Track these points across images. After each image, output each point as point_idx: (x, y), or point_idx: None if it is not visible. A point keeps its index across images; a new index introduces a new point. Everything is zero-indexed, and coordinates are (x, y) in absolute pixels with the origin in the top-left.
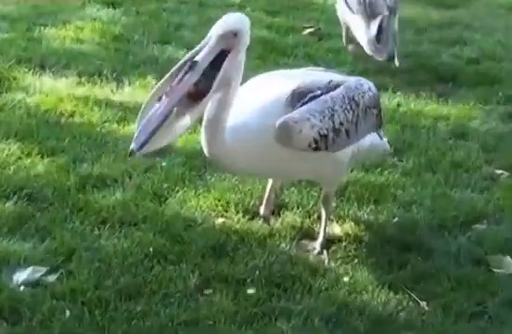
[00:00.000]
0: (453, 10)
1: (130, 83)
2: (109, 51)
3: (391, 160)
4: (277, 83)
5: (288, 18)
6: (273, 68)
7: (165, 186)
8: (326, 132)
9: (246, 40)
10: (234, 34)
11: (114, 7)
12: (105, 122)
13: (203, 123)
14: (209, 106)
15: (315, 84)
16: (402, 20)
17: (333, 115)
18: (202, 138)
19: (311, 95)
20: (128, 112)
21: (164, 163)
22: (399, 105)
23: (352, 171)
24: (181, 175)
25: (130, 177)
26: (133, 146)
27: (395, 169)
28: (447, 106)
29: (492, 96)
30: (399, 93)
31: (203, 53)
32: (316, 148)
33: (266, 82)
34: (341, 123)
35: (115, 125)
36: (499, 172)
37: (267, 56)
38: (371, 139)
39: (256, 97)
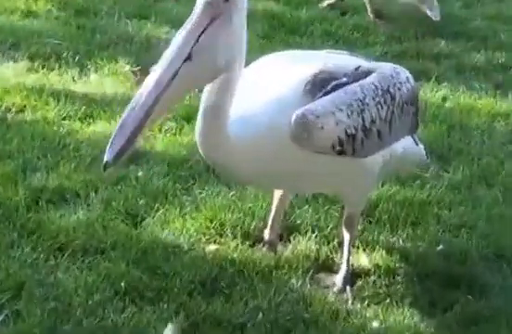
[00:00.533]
0: None
1: (97, 69)
2: (70, 28)
3: (434, 171)
4: (292, 67)
5: None
6: (281, 49)
7: (141, 202)
8: (353, 131)
9: (241, 4)
10: None
11: None
12: (64, 119)
13: (199, 115)
14: (207, 93)
15: (340, 70)
16: None
17: (363, 110)
18: (197, 133)
19: (335, 82)
20: (94, 106)
21: (140, 173)
22: (445, 99)
23: (382, 184)
24: (162, 189)
25: (96, 191)
26: (106, 156)
27: (439, 182)
28: (506, 100)
29: None
30: (445, 83)
31: (184, 31)
32: (341, 152)
33: (277, 64)
34: (373, 121)
35: (77, 123)
36: None
37: (274, 34)
38: (405, 144)
39: (266, 84)
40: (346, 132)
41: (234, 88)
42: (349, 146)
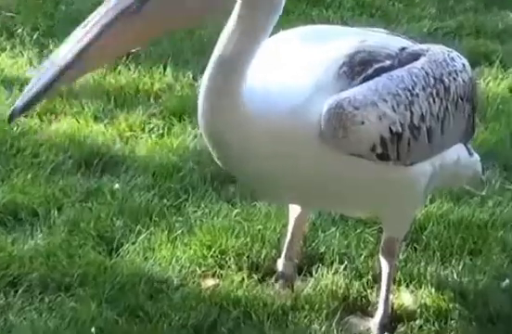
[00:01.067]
0: None
1: None
2: None
3: (498, 184)
4: (321, 43)
5: None
6: (302, 25)
7: (118, 223)
8: (399, 128)
9: None
10: None
11: None
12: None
13: (207, 69)
14: (221, 42)
15: (383, 50)
16: None
17: (412, 102)
18: (203, 100)
19: (377, 65)
20: (58, 99)
21: (117, 186)
22: None
23: (431, 200)
24: (145, 206)
25: (59, 209)
26: (17, 103)
27: (504, 197)
28: None
29: None
30: None
31: None
32: (382, 156)
33: (303, 39)
34: (423, 118)
35: (35, 121)
36: None
37: (293, 6)
38: (458, 153)
39: (290, 61)
40: (390, 129)
41: (258, 37)
42: (393, 148)
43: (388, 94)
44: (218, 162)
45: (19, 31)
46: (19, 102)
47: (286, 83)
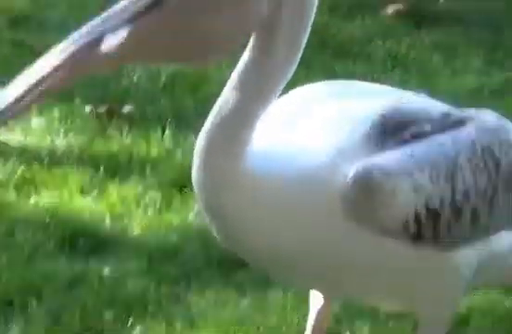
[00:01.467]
0: None
1: (41, 111)
2: (3, 45)
3: None
4: (347, 100)
5: None
6: (324, 79)
7: (108, 315)
8: (438, 204)
9: None
10: None
11: None
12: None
13: (205, 127)
14: (225, 93)
15: (422, 112)
16: None
17: (454, 174)
18: (199, 157)
19: (415, 129)
20: (37, 167)
21: (107, 270)
22: None
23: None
24: (139, 295)
25: (38, 298)
26: None
27: None
28: None
29: None
30: None
31: None
32: (417, 237)
33: (323, 95)
34: (467, 194)
35: (11, 193)
36: None
37: (314, 58)
38: (510, 241)
39: (306, 120)
40: (427, 204)
41: (273, 87)
42: (429, 228)
43: (426, 162)
44: (217, 238)
45: None
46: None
47: (300, 145)
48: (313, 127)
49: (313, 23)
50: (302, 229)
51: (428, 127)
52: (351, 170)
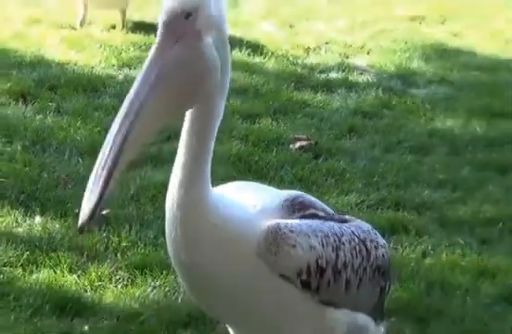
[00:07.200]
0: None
1: (43, 211)
2: (16, 164)
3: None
4: (268, 189)
5: (271, 125)
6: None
7: None
8: (324, 264)
9: (211, 19)
10: (185, 15)
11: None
12: (5, 265)
13: (170, 183)
14: (183, 140)
15: (318, 203)
16: (434, 135)
17: (339, 247)
18: (172, 190)
19: (313, 211)
20: (38, 252)
21: (87, 327)
22: (425, 254)
23: None
24: None
25: None
26: (80, 220)
27: None
28: (493, 258)
29: None
30: (426, 237)
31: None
32: (306, 284)
33: (250, 184)
34: (345, 266)
35: (19, 270)
36: None
37: (240, 179)
38: (368, 321)
39: (247, 194)
40: (317, 262)
41: (213, 132)
42: (315, 280)
43: (320, 232)
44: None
45: (8, 193)
46: (83, 215)
47: (244, 204)
48: (249, 197)
49: (241, 153)
50: (230, 261)
51: (322, 213)
52: (267, 223)
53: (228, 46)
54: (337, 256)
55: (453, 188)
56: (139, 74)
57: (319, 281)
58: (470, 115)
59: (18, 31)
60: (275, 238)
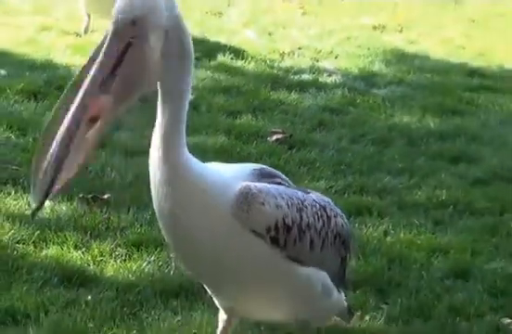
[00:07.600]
0: (457, 118)
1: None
2: (28, 154)
3: (373, 304)
4: (235, 164)
5: (251, 120)
6: None
7: (90, 325)
8: (290, 223)
9: (156, 22)
10: (131, 23)
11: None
12: (18, 242)
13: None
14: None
15: (283, 177)
16: (393, 129)
17: (302, 209)
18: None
19: (278, 180)
20: (48, 231)
21: (89, 297)
22: (386, 233)
23: None
24: (110, 313)
25: (46, 313)
26: (32, 203)
27: (378, 313)
28: (445, 237)
29: (503, 226)
30: (386, 218)
31: (95, 66)
32: (274, 240)
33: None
34: (309, 227)
35: (31, 247)
36: (507, 321)
37: None
38: (327, 283)
39: (221, 165)
40: (284, 220)
41: (183, 117)
42: (282, 236)
43: (285, 194)
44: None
45: (21, 180)
46: (33, 202)
47: (218, 170)
48: (223, 167)
49: (224, 145)
50: (208, 222)
51: (287, 183)
52: (238, 186)
53: (187, 35)
54: (301, 217)
55: (410, 175)
56: (90, 71)
57: (286, 238)
58: (425, 112)
59: (30, 37)
60: (246, 197)
